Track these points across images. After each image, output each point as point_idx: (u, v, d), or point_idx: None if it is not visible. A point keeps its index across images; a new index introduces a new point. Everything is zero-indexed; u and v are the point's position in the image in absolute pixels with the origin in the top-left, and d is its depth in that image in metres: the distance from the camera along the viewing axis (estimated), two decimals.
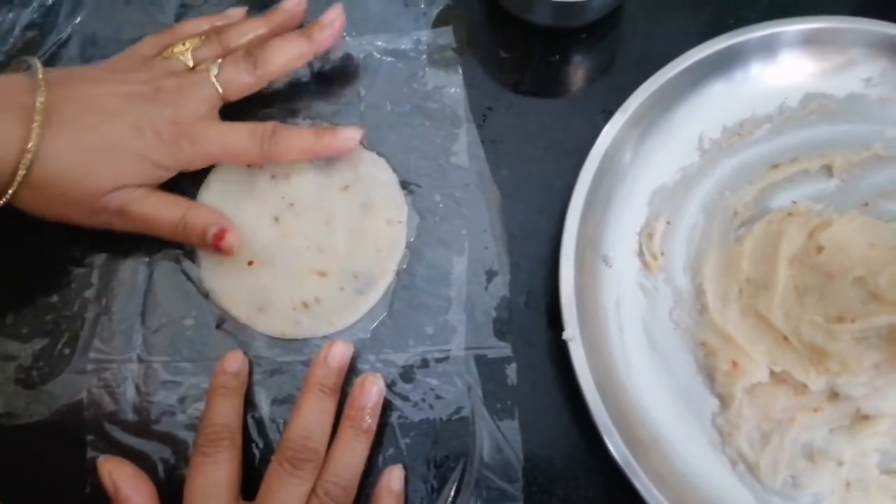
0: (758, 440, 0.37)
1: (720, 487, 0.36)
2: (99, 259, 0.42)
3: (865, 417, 0.36)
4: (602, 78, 0.46)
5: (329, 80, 0.46)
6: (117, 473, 0.36)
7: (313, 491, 0.35)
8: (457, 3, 0.48)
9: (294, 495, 0.34)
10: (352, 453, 0.36)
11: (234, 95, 0.42)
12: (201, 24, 0.44)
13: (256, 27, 0.43)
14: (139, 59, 0.42)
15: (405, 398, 0.39)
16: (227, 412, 0.37)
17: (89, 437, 0.38)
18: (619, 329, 0.39)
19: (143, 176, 0.39)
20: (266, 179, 0.42)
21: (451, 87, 0.45)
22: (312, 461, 0.35)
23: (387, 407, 0.38)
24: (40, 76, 0.38)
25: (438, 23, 0.47)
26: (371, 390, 0.37)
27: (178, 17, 0.48)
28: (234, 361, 0.39)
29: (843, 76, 0.43)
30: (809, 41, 0.43)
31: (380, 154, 0.44)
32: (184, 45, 0.42)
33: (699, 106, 0.43)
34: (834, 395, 0.37)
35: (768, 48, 0.43)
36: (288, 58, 0.42)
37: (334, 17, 0.43)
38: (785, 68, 0.44)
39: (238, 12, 0.46)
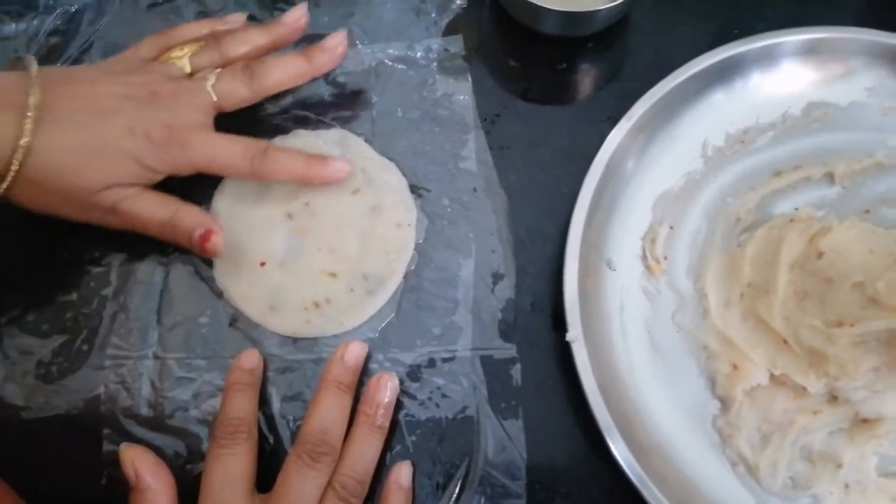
0: (758, 442, 0.37)
1: (720, 488, 0.37)
2: (117, 259, 0.43)
3: (864, 421, 0.37)
4: (608, 86, 0.47)
5: (342, 86, 0.47)
6: (140, 461, 0.36)
7: (329, 484, 0.35)
8: (467, 13, 0.49)
9: (311, 487, 0.35)
10: (367, 449, 0.37)
11: (230, 107, 0.41)
12: (202, 27, 0.43)
13: (256, 37, 0.43)
14: (137, 61, 0.42)
15: (412, 397, 0.40)
16: (243, 406, 0.38)
17: (106, 431, 0.39)
18: (622, 331, 0.40)
19: (133, 176, 0.39)
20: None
21: (461, 94, 0.46)
22: (330, 455, 0.36)
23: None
24: (34, 74, 0.37)
25: (449, 31, 0.48)
26: (386, 388, 0.38)
27: None
28: (251, 359, 0.39)
29: (845, 85, 0.44)
30: (811, 51, 0.44)
31: (390, 159, 0.45)
32: (182, 50, 0.41)
33: (703, 114, 0.44)
34: (833, 398, 0.38)
35: (770, 58, 0.44)
36: (286, 75, 0.42)
37: (337, 42, 0.43)
38: (787, 78, 0.44)
39: (238, 18, 0.45)
